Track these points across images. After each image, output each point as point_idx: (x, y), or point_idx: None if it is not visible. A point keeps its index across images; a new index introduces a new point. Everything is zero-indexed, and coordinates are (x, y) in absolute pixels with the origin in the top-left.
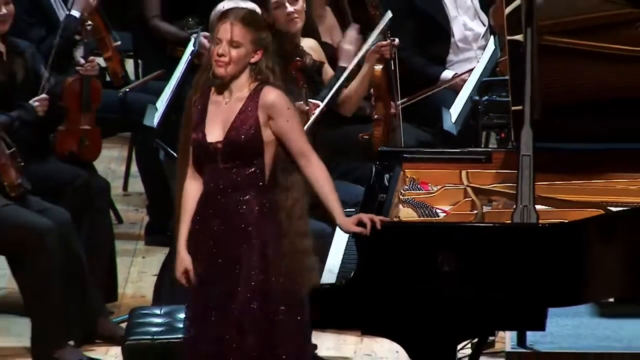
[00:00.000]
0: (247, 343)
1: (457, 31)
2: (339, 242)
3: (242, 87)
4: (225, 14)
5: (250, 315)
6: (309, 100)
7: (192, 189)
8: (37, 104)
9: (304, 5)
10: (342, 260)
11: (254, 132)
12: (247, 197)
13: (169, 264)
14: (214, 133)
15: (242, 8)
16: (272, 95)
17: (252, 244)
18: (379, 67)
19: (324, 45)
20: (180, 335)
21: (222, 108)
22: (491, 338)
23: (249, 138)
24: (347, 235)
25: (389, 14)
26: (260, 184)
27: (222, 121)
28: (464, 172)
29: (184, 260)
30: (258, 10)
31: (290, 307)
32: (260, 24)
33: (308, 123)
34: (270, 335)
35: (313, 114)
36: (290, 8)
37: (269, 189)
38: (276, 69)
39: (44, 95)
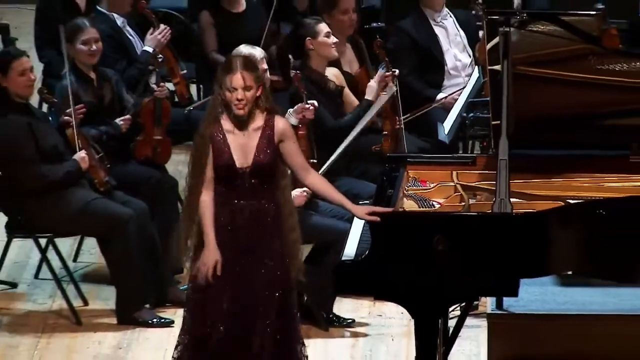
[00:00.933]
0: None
1: (449, 61)
2: (356, 228)
3: (254, 119)
4: (230, 67)
5: (267, 301)
6: (308, 101)
7: (210, 199)
8: (122, 122)
9: None
10: (358, 242)
11: (273, 155)
12: (267, 204)
13: None
14: (240, 159)
15: (241, 56)
16: (281, 123)
17: (269, 240)
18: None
19: (344, 74)
20: None
21: (242, 138)
22: (475, 302)
23: (271, 160)
24: (363, 222)
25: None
26: (274, 192)
27: (245, 148)
28: (454, 173)
29: (216, 254)
30: (256, 54)
31: (285, 290)
32: (256, 65)
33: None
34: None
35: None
36: (334, 39)
37: (277, 194)
38: (268, 93)
39: (128, 117)
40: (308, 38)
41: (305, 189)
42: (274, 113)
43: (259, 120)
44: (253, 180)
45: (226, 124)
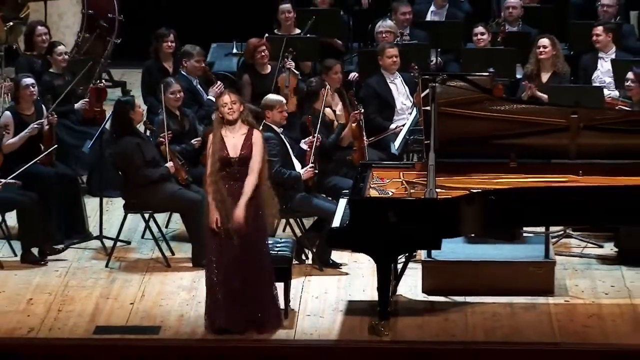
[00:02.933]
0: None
1: (398, 105)
2: (341, 207)
3: (240, 128)
4: (221, 93)
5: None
6: (314, 135)
7: (222, 182)
8: (195, 142)
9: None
10: (342, 216)
11: (251, 151)
12: (243, 182)
13: None
14: (232, 152)
15: (227, 89)
16: (257, 135)
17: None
18: (354, 124)
19: (334, 112)
20: None
21: (232, 139)
22: (414, 253)
23: (249, 154)
24: (346, 203)
25: None
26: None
27: (234, 146)
28: (401, 173)
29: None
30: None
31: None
32: (239, 94)
33: (312, 151)
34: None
35: (316, 145)
36: (330, 92)
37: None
38: (249, 113)
39: (199, 138)
40: (323, 89)
41: (312, 166)
42: (253, 127)
43: (244, 129)
44: (239, 168)
45: (224, 129)
